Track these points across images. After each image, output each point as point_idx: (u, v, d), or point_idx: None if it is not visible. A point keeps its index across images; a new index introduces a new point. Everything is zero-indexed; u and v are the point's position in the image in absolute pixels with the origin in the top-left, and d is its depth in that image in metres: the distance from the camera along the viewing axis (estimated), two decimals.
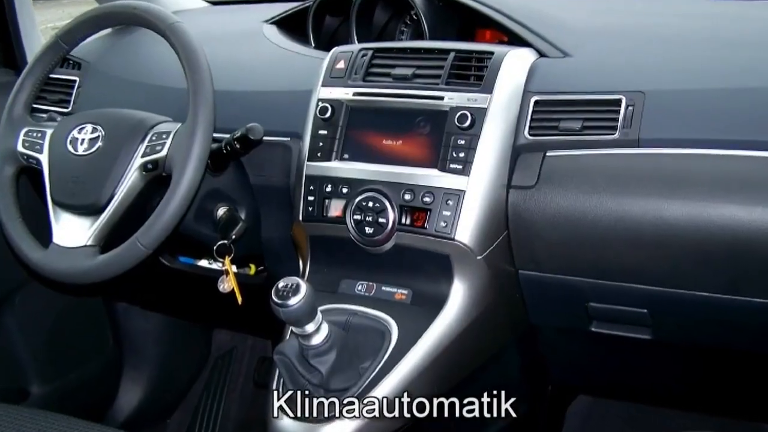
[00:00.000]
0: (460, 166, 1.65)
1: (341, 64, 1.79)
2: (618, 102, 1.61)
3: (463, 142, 1.66)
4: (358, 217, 1.70)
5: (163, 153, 1.70)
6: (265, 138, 1.78)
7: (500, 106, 1.67)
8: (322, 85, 1.79)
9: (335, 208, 1.73)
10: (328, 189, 1.73)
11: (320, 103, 1.76)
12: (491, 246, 1.67)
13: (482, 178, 1.66)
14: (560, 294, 1.68)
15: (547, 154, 1.64)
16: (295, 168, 1.80)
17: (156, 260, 2.04)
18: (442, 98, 1.69)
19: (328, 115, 1.75)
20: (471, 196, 1.64)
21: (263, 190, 1.89)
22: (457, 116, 1.65)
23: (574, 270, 1.64)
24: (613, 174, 1.57)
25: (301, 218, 1.76)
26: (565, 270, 1.65)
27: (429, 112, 1.69)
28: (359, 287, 1.72)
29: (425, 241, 1.66)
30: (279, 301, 1.44)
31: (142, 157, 1.72)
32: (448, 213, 1.64)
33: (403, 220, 1.67)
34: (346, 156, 1.75)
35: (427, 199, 1.66)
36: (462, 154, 1.65)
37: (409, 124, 1.71)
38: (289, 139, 1.85)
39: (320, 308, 1.48)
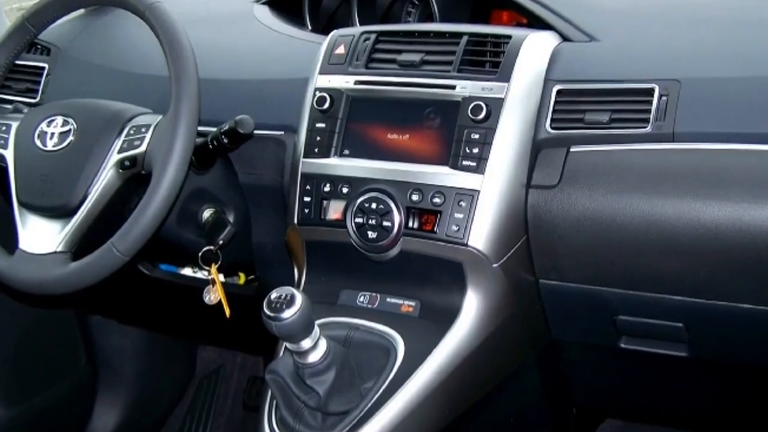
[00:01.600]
0: (474, 163, 1.66)
1: (341, 49, 1.81)
2: (650, 91, 1.62)
3: (477, 136, 1.67)
4: (359, 220, 1.71)
5: (142, 148, 1.71)
6: (255, 132, 1.80)
7: (519, 96, 1.69)
8: (320, 73, 1.81)
9: (334, 210, 1.75)
10: (327, 189, 1.75)
11: (318, 92, 1.78)
12: (508, 252, 1.68)
13: (499, 177, 1.67)
14: (586, 306, 1.70)
15: (571, 149, 1.66)
16: (290, 165, 1.81)
17: (134, 268, 2.05)
18: (453, 87, 1.71)
19: (326, 106, 1.77)
20: (486, 197, 1.66)
21: (254, 189, 1.92)
22: (470, 107, 1.67)
23: (602, 279, 1.66)
24: (645, 172, 1.59)
25: (296, 221, 1.78)
26: (591, 279, 1.66)
27: (439, 103, 1.71)
28: (361, 298, 1.74)
29: (435, 246, 1.67)
30: (271, 314, 1.45)
31: (119, 152, 1.74)
32: (460, 215, 1.65)
33: (410, 224, 1.69)
34: (346, 152, 1.77)
35: (436, 200, 1.68)
36: (476, 150, 1.67)
37: (416, 117, 1.72)
38: (282, 132, 1.88)
39: (317, 322, 1.49)
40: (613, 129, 1.64)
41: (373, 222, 1.71)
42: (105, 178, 1.73)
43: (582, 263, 1.65)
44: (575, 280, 1.66)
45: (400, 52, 1.76)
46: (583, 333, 1.77)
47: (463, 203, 1.66)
